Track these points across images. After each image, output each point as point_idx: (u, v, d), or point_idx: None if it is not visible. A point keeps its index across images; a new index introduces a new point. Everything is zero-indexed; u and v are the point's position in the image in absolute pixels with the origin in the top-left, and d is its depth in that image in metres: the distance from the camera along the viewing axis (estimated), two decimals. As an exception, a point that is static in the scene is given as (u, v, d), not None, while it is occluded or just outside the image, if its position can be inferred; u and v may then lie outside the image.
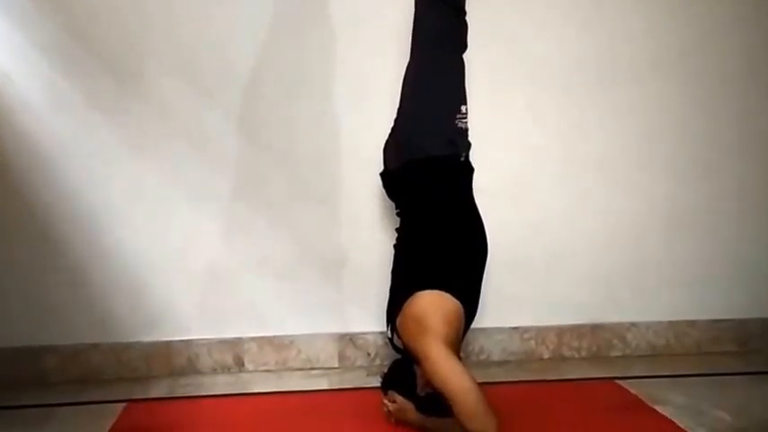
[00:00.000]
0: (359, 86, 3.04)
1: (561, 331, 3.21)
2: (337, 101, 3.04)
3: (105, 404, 2.69)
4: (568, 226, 3.18)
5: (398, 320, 2.41)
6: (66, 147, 2.95)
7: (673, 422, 2.40)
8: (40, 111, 2.93)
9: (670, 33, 3.15)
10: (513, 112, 3.11)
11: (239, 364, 3.10)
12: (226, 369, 3.09)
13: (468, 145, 2.59)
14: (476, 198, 2.61)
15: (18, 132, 2.93)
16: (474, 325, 2.52)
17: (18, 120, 2.92)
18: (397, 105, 2.67)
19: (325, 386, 2.90)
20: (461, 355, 2.41)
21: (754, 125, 3.24)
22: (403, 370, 2.41)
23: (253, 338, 3.10)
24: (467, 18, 2.66)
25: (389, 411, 2.38)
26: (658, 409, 2.52)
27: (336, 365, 3.13)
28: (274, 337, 3.11)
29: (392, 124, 2.67)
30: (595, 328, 3.23)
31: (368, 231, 3.06)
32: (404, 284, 2.45)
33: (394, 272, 2.60)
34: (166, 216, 3.03)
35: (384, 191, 2.74)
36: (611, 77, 3.14)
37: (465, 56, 2.65)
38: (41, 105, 2.93)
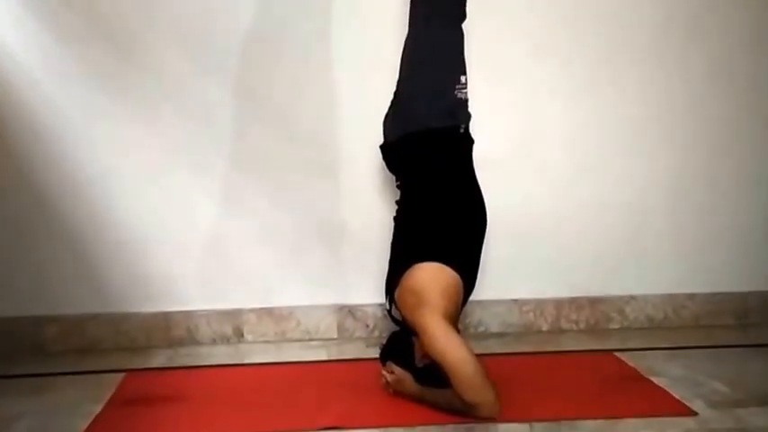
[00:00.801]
0: (359, 57, 3.01)
1: (560, 304, 3.22)
2: (337, 72, 3.02)
3: (104, 374, 2.70)
4: (568, 198, 3.17)
5: (397, 292, 2.41)
6: (65, 117, 2.93)
7: (669, 393, 2.41)
8: (39, 80, 2.91)
9: (679, 2, 3.12)
10: (513, 81, 3.09)
11: (238, 334, 3.11)
12: (225, 340, 3.10)
13: (468, 116, 2.57)
14: (475, 169, 2.60)
15: (16, 102, 2.91)
16: (472, 297, 2.52)
17: (16, 89, 2.90)
18: (397, 77, 2.65)
19: (323, 357, 2.91)
20: (459, 327, 2.42)
21: (759, 97, 3.21)
22: (401, 341, 2.42)
23: (252, 309, 3.11)
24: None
25: (388, 382, 2.39)
26: (655, 380, 2.53)
27: (335, 337, 3.14)
28: (274, 308, 3.12)
29: (392, 96, 2.65)
30: (594, 301, 3.23)
31: (368, 203, 3.05)
32: (403, 257, 2.45)
33: (393, 244, 2.60)
34: (166, 186, 3.02)
35: (384, 163, 2.72)
36: (613, 45, 3.11)
37: (464, 26, 2.62)
38: (40, 74, 2.91)
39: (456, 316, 2.38)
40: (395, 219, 2.62)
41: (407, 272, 2.37)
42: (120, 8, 2.91)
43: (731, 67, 3.17)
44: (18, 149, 2.95)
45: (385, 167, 2.72)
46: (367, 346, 2.98)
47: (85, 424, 2.23)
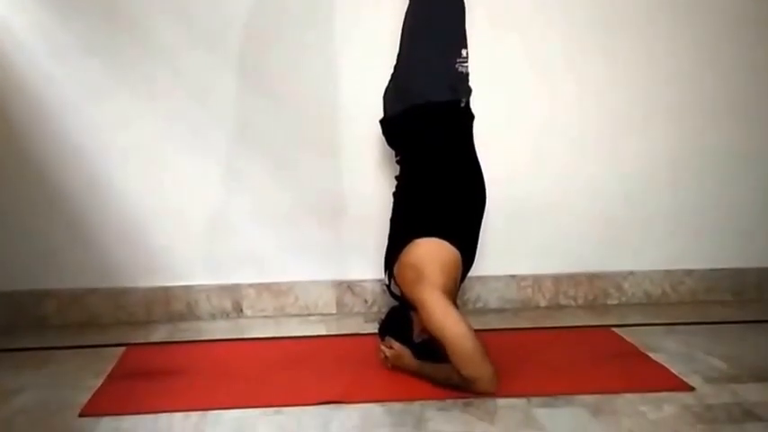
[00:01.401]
0: (359, 33, 2.99)
1: (558, 279, 3.23)
2: (337, 48, 3.01)
3: (104, 348, 2.72)
4: (567, 174, 3.17)
5: (396, 268, 2.41)
6: (65, 92, 2.93)
7: (667, 369, 2.42)
8: (37, 56, 2.90)
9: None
10: (511, 55, 3.08)
11: (238, 309, 3.12)
12: (224, 315, 3.12)
13: (469, 90, 2.54)
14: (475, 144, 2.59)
15: (15, 78, 2.90)
16: (471, 273, 2.52)
17: (14, 65, 2.89)
18: (397, 50, 2.63)
19: (322, 332, 2.93)
20: (458, 302, 2.42)
21: (759, 75, 3.20)
22: (400, 317, 2.43)
23: (251, 285, 3.12)
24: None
25: (386, 357, 2.41)
26: (653, 356, 2.55)
27: (334, 312, 3.16)
28: (273, 283, 3.13)
29: (392, 70, 2.63)
30: (592, 277, 3.24)
31: (367, 179, 3.05)
32: (402, 232, 2.44)
33: (393, 219, 2.59)
34: (167, 162, 3.02)
35: (384, 138, 2.71)
36: (615, 20, 3.10)
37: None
38: (38, 50, 2.90)
39: (455, 291, 2.39)
40: (394, 194, 2.62)
41: (407, 247, 2.37)
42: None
43: (732, 45, 3.16)
44: (17, 125, 2.94)
45: (384, 142, 2.71)
46: (366, 322, 2.99)
47: (86, 397, 2.24)
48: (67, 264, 3.03)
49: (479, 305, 3.20)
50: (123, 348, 2.71)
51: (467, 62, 2.52)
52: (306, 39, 2.99)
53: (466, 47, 2.53)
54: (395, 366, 2.39)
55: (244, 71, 2.99)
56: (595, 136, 3.17)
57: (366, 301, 3.16)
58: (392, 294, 2.52)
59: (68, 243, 3.02)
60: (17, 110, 2.93)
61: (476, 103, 2.57)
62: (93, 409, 2.16)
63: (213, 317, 3.11)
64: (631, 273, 3.25)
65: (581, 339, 2.80)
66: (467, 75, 2.53)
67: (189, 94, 2.97)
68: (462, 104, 2.53)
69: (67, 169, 2.98)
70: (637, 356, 2.57)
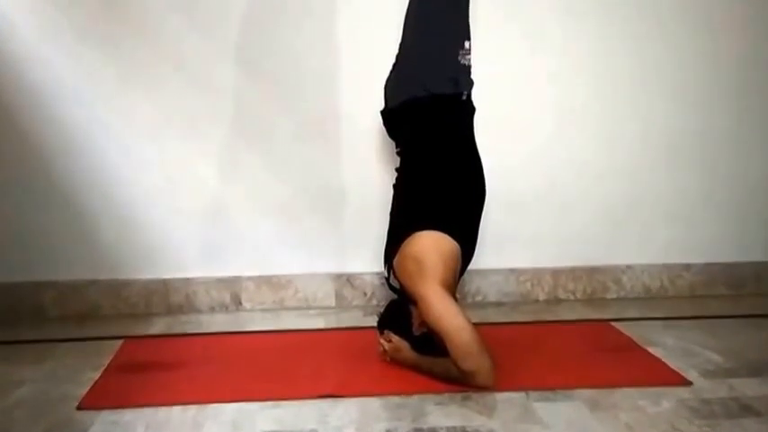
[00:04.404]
0: (361, 22, 2.99)
1: (557, 273, 3.23)
2: (339, 37, 3.00)
3: (103, 340, 2.72)
4: (566, 169, 3.17)
5: (396, 260, 2.41)
6: (64, 84, 2.93)
7: (665, 363, 2.43)
8: (37, 43, 2.90)
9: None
10: (511, 46, 3.07)
11: (237, 302, 3.13)
12: (223, 307, 3.12)
13: (471, 83, 2.53)
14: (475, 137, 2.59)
15: (13, 67, 2.89)
16: (470, 266, 2.53)
17: (13, 54, 2.89)
18: (399, 41, 2.62)
19: (321, 325, 2.93)
20: (457, 296, 2.42)
21: (759, 69, 3.19)
22: (399, 310, 2.43)
23: (250, 277, 3.12)
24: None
25: (385, 350, 2.41)
26: (651, 350, 2.55)
27: (333, 305, 3.16)
28: (272, 276, 3.13)
29: (394, 61, 2.62)
30: (591, 271, 3.25)
31: (367, 171, 3.05)
32: (402, 224, 2.44)
33: (392, 212, 2.59)
34: (165, 153, 3.02)
35: (384, 129, 2.71)
36: (614, 10, 3.09)
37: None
38: (38, 37, 2.90)
39: (454, 285, 2.39)
40: (394, 187, 2.61)
41: (407, 240, 2.37)
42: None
43: (728, 32, 3.15)
44: (16, 115, 2.93)
45: (385, 134, 2.71)
46: (365, 315, 3.00)
47: (85, 390, 2.24)
48: (67, 255, 3.03)
49: (479, 298, 3.20)
50: (122, 341, 2.71)
51: (469, 54, 2.51)
52: (306, 30, 2.99)
53: (469, 39, 2.52)
54: (393, 360, 2.39)
55: (244, 62, 2.99)
56: (594, 131, 3.17)
57: (365, 294, 3.17)
58: (391, 287, 2.52)
59: (68, 235, 3.02)
60: (14, 100, 2.92)
61: (476, 96, 2.56)
62: (92, 402, 2.16)
63: (212, 309, 3.11)
64: (630, 266, 3.26)
65: (580, 333, 2.81)
66: (469, 67, 2.52)
67: (189, 87, 2.97)
68: (464, 97, 2.53)
69: (67, 161, 2.98)
70: (635, 350, 2.58)
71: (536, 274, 3.23)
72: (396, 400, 2.16)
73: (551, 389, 2.21)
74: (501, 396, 2.16)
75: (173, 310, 3.08)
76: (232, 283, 3.12)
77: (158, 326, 2.93)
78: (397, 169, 2.62)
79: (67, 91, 2.93)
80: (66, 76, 2.92)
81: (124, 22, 2.91)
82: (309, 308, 3.14)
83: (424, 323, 2.28)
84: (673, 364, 2.42)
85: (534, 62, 3.10)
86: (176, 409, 2.11)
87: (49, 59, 2.90)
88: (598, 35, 3.11)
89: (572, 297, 3.25)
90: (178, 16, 2.93)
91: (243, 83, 3.01)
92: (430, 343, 2.26)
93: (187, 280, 3.09)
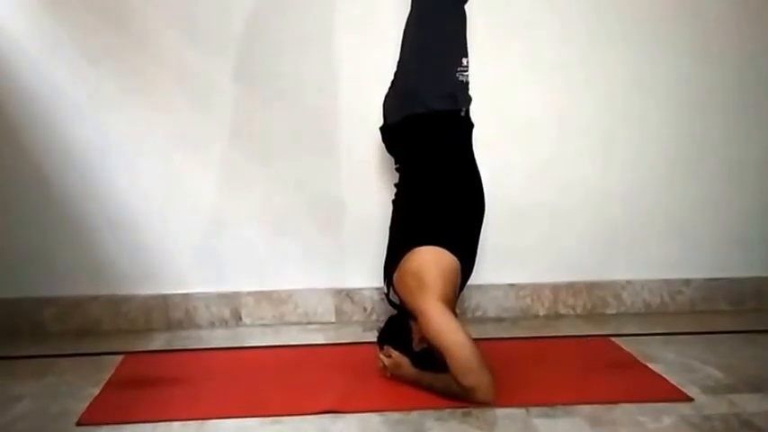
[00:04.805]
0: (360, 38, 3.01)
1: (557, 288, 3.23)
2: (338, 52, 3.02)
3: (103, 356, 2.71)
4: (565, 183, 3.18)
5: (396, 275, 2.41)
6: (64, 100, 2.94)
7: (665, 379, 2.42)
8: (38, 60, 2.92)
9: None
10: (510, 64, 3.09)
11: (237, 317, 3.12)
12: (223, 323, 3.12)
13: (469, 99, 2.56)
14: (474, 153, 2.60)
15: (15, 84, 2.91)
16: (470, 281, 2.53)
17: (15, 69, 2.91)
18: (398, 57, 2.63)
19: (321, 341, 2.92)
20: (457, 311, 2.42)
21: (760, 83, 3.21)
22: (399, 325, 2.43)
23: (250, 292, 3.12)
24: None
25: (385, 366, 2.40)
26: (651, 366, 2.55)
27: (333, 320, 3.16)
28: (272, 291, 3.13)
29: (392, 77, 2.64)
30: (591, 286, 3.25)
31: (367, 187, 3.06)
32: (402, 240, 2.45)
33: (392, 228, 2.60)
34: (165, 169, 3.03)
35: (383, 145, 2.72)
36: (611, 26, 3.11)
37: (466, 7, 2.60)
38: (39, 54, 2.92)
39: (454, 300, 2.39)
40: (393, 202, 2.62)
41: (406, 255, 2.37)
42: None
43: (725, 50, 3.17)
44: (17, 131, 2.95)
45: (384, 150, 2.72)
46: (364, 330, 2.99)
47: (84, 406, 2.24)
48: (67, 271, 3.03)
49: (478, 314, 3.20)
50: (122, 356, 2.70)
51: (467, 71, 2.54)
52: (306, 44, 3.00)
53: (466, 55, 2.54)
54: (394, 375, 2.39)
55: (244, 77, 3.00)
56: (594, 146, 3.18)
57: (365, 310, 3.17)
58: (391, 303, 2.53)
59: (68, 250, 3.02)
60: (14, 115, 2.93)
61: (475, 112, 2.58)
62: (91, 418, 2.16)
63: (212, 325, 3.11)
64: (629, 282, 3.26)
65: (580, 349, 2.80)
66: (467, 83, 2.55)
67: (189, 102, 2.98)
68: (462, 113, 2.55)
69: (68, 176, 2.99)
70: (635, 366, 2.57)
71: (536, 289, 3.23)
72: (396, 415, 2.15)
73: (551, 405, 2.20)
74: (501, 412, 2.15)
75: (173, 326, 3.08)
76: (232, 299, 3.12)
77: (158, 341, 2.93)
78: (396, 185, 2.63)
79: (67, 106, 2.95)
80: (66, 91, 2.94)
81: (124, 37, 2.93)
82: (309, 323, 3.14)
83: (424, 339, 2.28)
84: (673, 379, 2.41)
85: (533, 79, 3.11)
86: (176, 425, 2.10)
87: (50, 75, 2.92)
88: (596, 54, 3.13)
89: (572, 312, 3.25)
90: (177, 31, 2.95)
91: (243, 98, 3.02)
92: (430, 358, 2.25)
93: (187, 295, 3.09)
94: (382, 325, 2.54)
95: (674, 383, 2.38)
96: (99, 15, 2.91)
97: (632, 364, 2.59)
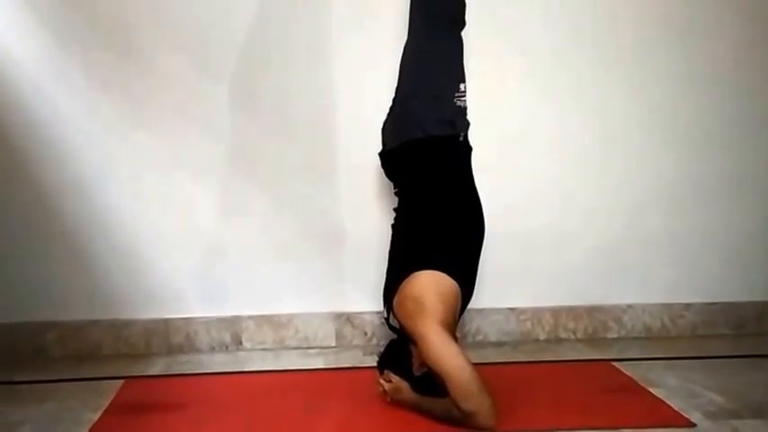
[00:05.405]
0: (359, 63, 3.03)
1: (557, 312, 3.23)
2: (337, 79, 3.04)
3: (103, 380, 2.71)
4: (566, 207, 3.19)
5: (395, 300, 2.41)
6: (65, 122, 2.96)
7: (666, 404, 2.41)
8: (39, 83, 2.94)
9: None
10: (506, 86, 3.11)
11: (237, 342, 3.12)
12: (224, 347, 3.11)
13: (467, 124, 2.58)
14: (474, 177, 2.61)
15: (16, 106, 2.93)
16: (470, 305, 2.53)
17: (16, 92, 2.93)
18: (396, 83, 2.66)
19: (321, 365, 2.92)
20: (457, 335, 2.42)
21: (757, 106, 3.22)
22: (399, 350, 2.42)
23: (251, 317, 3.12)
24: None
25: (385, 390, 2.40)
26: (653, 391, 2.54)
27: (333, 344, 3.15)
28: (272, 315, 3.13)
29: (390, 103, 2.66)
30: (592, 310, 3.24)
31: (367, 211, 3.06)
32: (401, 265, 2.45)
33: (391, 252, 2.60)
34: (166, 194, 3.04)
35: (382, 170, 2.73)
36: (611, 47, 3.13)
37: (463, 33, 2.63)
38: (40, 76, 2.94)
39: (454, 324, 2.38)
40: (393, 227, 2.63)
41: (406, 280, 2.37)
42: (121, 12, 2.94)
43: (728, 72, 3.18)
44: (18, 154, 2.96)
45: (383, 175, 2.74)
46: (365, 355, 2.99)
47: (85, 431, 2.23)
48: (68, 295, 3.03)
49: (479, 338, 3.19)
50: (122, 381, 2.70)
51: (465, 96, 2.56)
52: (305, 68, 3.03)
53: (464, 81, 2.57)
54: (394, 400, 2.38)
55: (243, 101, 3.03)
56: (594, 170, 3.19)
57: (365, 334, 3.16)
58: (391, 327, 2.52)
59: (70, 275, 3.02)
60: (15, 138, 2.95)
61: (474, 136, 2.60)
62: (92, 443, 2.16)
63: (212, 349, 3.10)
64: (630, 306, 3.25)
65: (581, 373, 2.79)
66: (465, 108, 2.57)
67: (188, 123, 3.00)
68: (461, 138, 2.57)
69: (68, 200, 3.00)
70: (637, 391, 2.57)
71: (536, 313, 3.22)
72: (396, 441, 2.15)
73: (553, 430, 2.20)
74: (502, 437, 2.14)
75: (173, 350, 3.07)
76: (232, 323, 3.12)
77: (158, 366, 2.92)
78: (395, 209, 2.65)
79: (70, 132, 2.96)
80: (69, 117, 2.96)
81: (127, 63, 2.96)
82: (310, 347, 3.13)
83: (424, 363, 2.27)
84: (675, 404, 2.40)
85: (532, 101, 3.13)
86: (175, 451, 2.10)
87: (55, 100, 2.94)
88: (597, 78, 3.15)
89: (572, 336, 3.24)
90: (181, 58, 2.98)
91: (244, 124, 3.05)
92: (430, 383, 2.25)
93: (187, 320, 3.09)
94: (382, 349, 2.54)
95: (676, 408, 2.37)
96: (103, 42, 2.95)
97: (633, 389, 2.59)
